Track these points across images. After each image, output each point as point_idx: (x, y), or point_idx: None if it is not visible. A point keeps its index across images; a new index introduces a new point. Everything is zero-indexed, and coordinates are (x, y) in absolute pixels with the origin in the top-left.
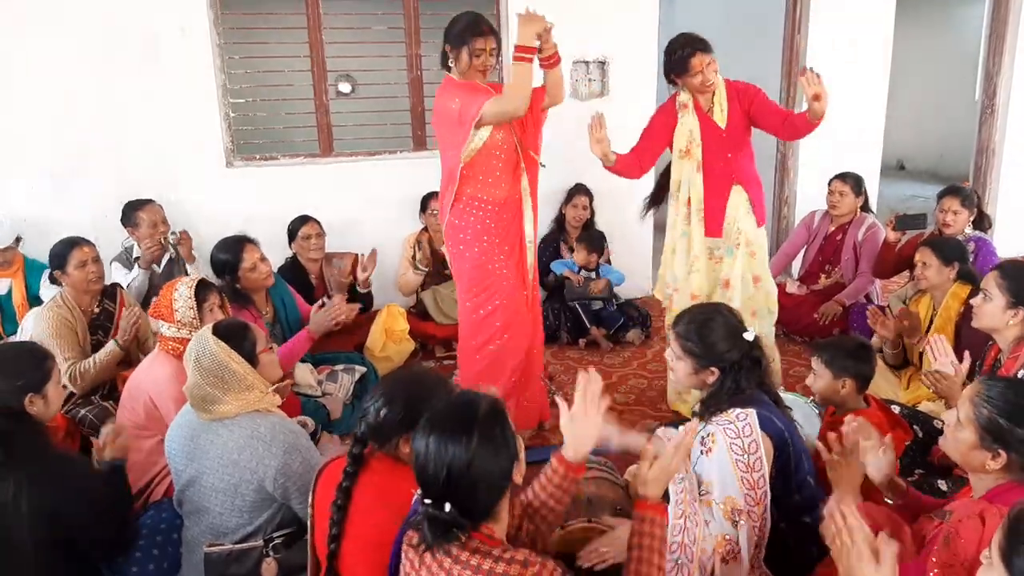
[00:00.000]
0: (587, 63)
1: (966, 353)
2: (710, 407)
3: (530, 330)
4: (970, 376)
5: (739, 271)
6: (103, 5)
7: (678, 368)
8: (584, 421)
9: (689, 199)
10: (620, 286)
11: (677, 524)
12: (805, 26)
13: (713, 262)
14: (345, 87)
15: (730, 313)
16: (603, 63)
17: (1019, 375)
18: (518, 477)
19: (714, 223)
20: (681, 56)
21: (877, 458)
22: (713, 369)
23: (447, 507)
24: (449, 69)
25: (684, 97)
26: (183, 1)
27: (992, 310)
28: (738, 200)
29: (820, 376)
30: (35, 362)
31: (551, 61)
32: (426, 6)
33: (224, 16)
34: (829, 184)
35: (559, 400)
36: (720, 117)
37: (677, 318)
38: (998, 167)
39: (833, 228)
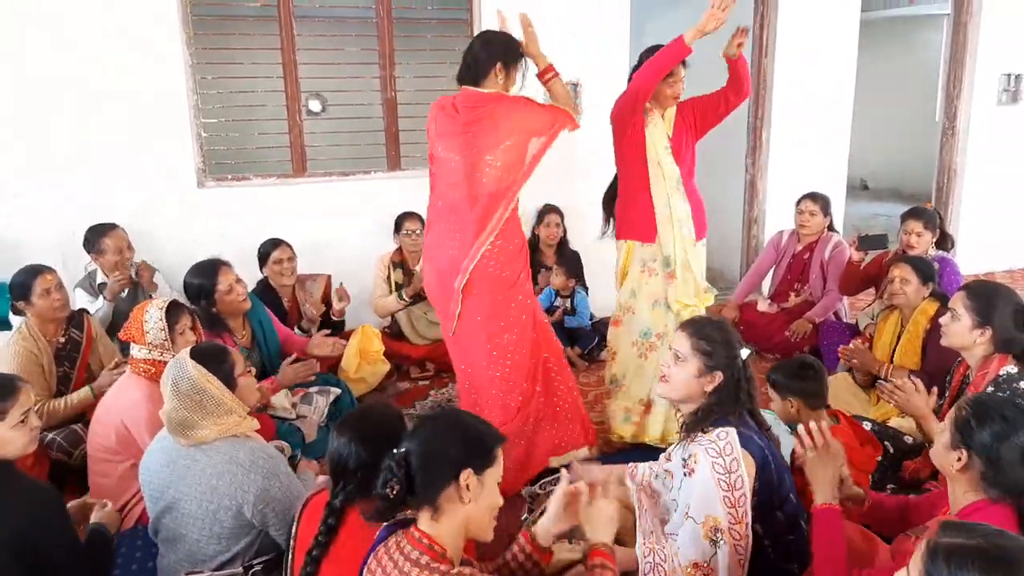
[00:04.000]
0: None
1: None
2: (704, 418)
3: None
4: (940, 393)
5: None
6: (72, 25)
7: (678, 372)
8: (600, 508)
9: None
10: (584, 313)
11: (647, 562)
12: (772, 51)
13: (646, 274)
14: (315, 105)
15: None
16: (576, 85)
17: (988, 391)
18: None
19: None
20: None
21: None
22: (717, 374)
23: (401, 450)
24: (474, 83)
25: (649, 105)
26: (155, 21)
27: (960, 329)
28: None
29: (772, 399)
30: None
31: (551, 76)
32: (400, 27)
33: (196, 36)
34: (798, 204)
35: (563, 473)
36: (668, 126)
37: (687, 321)
38: (959, 187)
39: (800, 247)
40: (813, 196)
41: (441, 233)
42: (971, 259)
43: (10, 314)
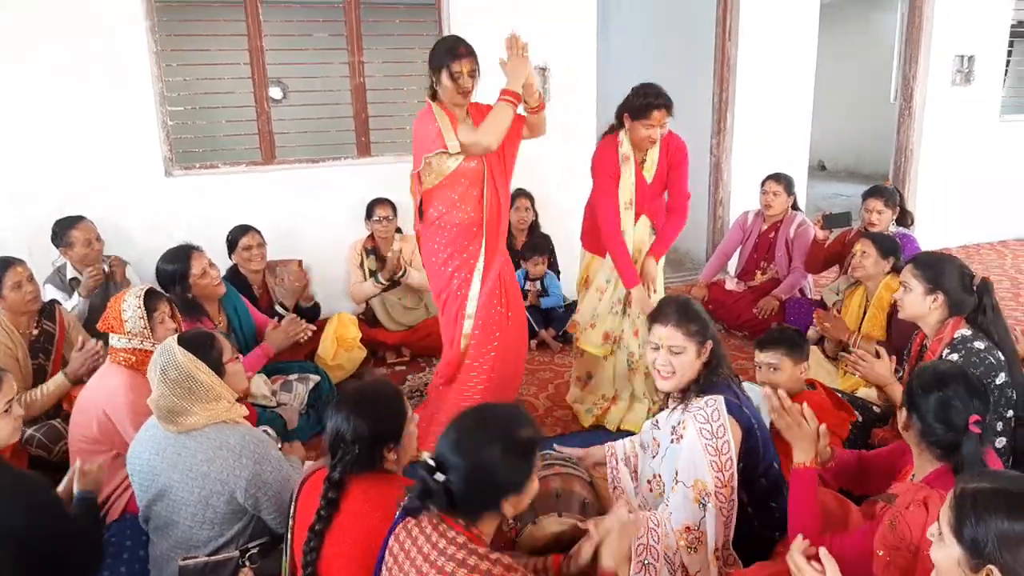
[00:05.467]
0: None
1: (882, 352)
2: (705, 386)
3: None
4: (899, 362)
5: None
6: (35, 13)
7: (680, 362)
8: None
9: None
10: (557, 294)
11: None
12: (735, 34)
13: (609, 284)
14: (276, 92)
15: None
16: (544, 69)
17: (944, 354)
18: (509, 510)
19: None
20: (646, 103)
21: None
22: (708, 343)
23: (439, 477)
24: (435, 96)
25: (626, 149)
26: (118, 8)
27: (913, 299)
28: (643, 226)
29: (782, 368)
30: None
31: (536, 109)
32: (367, 12)
33: (161, 23)
34: (763, 185)
35: (590, 525)
36: (649, 173)
37: (658, 315)
38: (915, 166)
39: (766, 227)
40: (777, 177)
41: None
42: (928, 235)
43: None
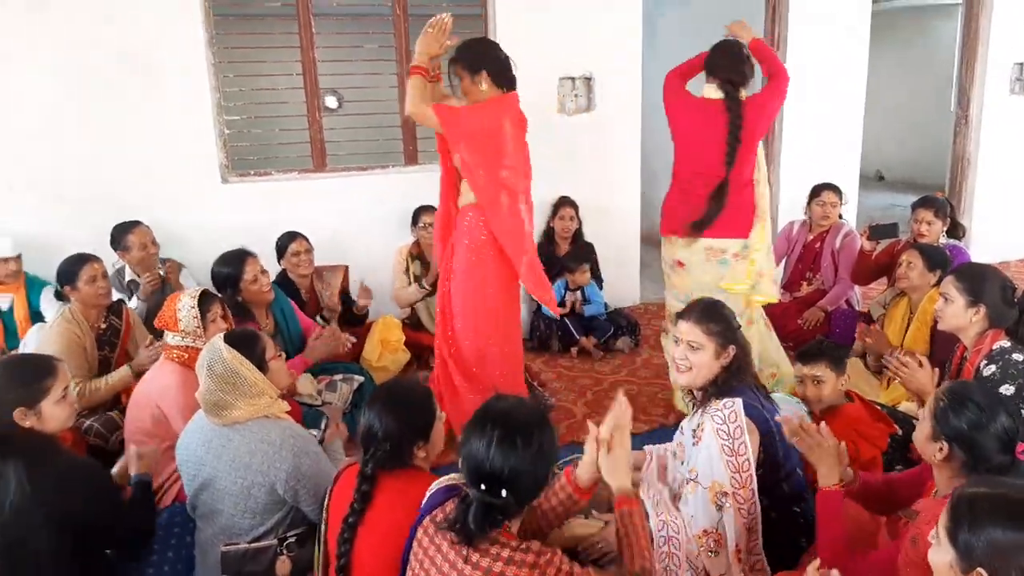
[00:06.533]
0: (573, 79)
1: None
2: (722, 389)
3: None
4: (941, 374)
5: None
6: (103, 28)
7: (699, 359)
8: (618, 453)
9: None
10: (598, 302)
11: (660, 536)
12: (784, 42)
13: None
14: (331, 101)
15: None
16: (588, 79)
17: (981, 366)
18: None
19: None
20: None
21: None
22: (731, 348)
23: (503, 493)
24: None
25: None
26: (179, 22)
27: (954, 311)
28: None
29: (826, 380)
30: (33, 378)
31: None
32: (416, 23)
33: (219, 36)
34: (819, 195)
35: (590, 425)
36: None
37: (684, 312)
38: (973, 177)
39: (811, 237)
40: (833, 187)
41: None
42: (985, 249)
43: (42, 305)
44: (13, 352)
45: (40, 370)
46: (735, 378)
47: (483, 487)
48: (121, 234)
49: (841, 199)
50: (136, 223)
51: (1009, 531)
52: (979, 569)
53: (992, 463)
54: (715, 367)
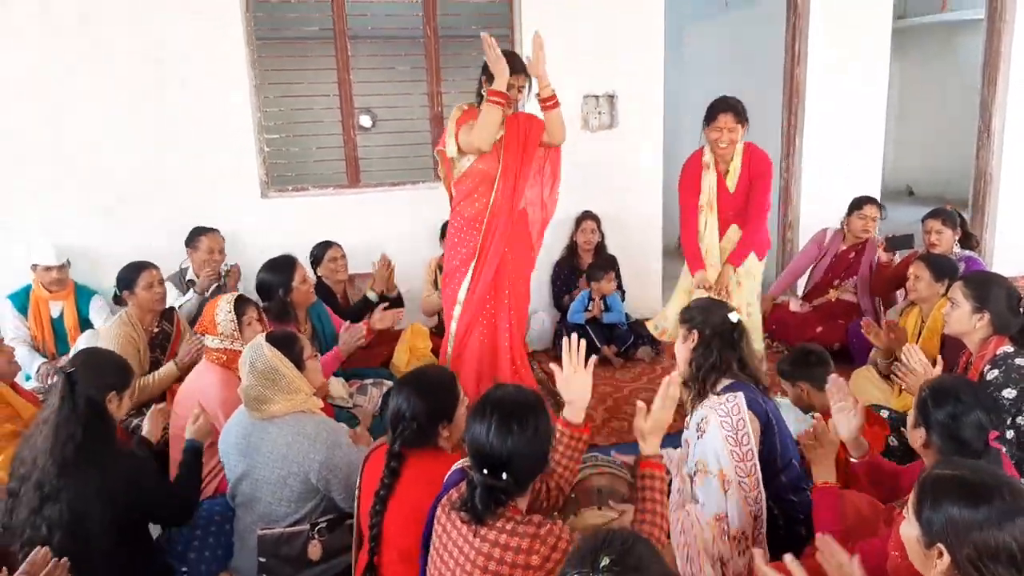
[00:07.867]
0: (596, 97)
1: (938, 359)
2: (700, 375)
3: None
4: None
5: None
6: (152, 51)
7: (679, 352)
8: (575, 379)
9: (707, 248)
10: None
11: (678, 533)
12: (804, 58)
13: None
14: (366, 120)
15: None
16: (612, 97)
17: (985, 370)
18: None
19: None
20: (711, 107)
21: (848, 418)
22: (694, 332)
23: (504, 476)
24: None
25: (708, 158)
26: (223, 44)
27: (960, 316)
28: (735, 234)
29: (787, 389)
30: (123, 369)
31: (548, 104)
32: (446, 45)
33: (260, 59)
34: (860, 207)
35: (553, 366)
36: (731, 182)
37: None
38: (996, 192)
39: (845, 246)
40: (875, 201)
41: None
42: (1007, 263)
43: (91, 313)
44: (63, 358)
45: (126, 364)
46: (703, 360)
47: (485, 471)
48: (196, 234)
49: (882, 214)
50: (213, 229)
51: (964, 509)
52: (939, 544)
53: (967, 450)
54: (685, 353)
